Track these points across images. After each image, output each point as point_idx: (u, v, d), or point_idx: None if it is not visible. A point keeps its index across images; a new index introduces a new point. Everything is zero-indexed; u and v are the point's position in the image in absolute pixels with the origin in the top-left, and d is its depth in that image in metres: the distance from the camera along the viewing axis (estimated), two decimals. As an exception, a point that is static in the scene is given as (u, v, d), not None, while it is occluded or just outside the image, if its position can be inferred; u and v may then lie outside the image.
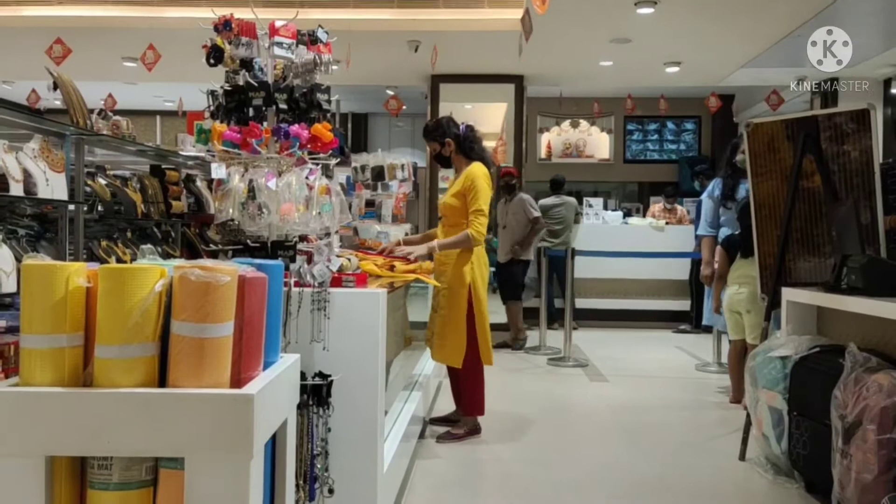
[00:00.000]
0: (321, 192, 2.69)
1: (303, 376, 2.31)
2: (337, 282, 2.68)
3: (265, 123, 2.70)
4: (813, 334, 3.57)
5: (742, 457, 3.73)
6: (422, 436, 4.05)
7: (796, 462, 3.25)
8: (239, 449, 1.56)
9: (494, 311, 6.20)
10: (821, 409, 2.95)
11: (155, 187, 4.32)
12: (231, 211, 2.62)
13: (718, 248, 4.96)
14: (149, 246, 4.00)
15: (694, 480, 3.48)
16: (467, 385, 4.07)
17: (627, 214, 9.75)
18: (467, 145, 4.03)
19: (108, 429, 1.55)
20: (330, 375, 2.45)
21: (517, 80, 8.46)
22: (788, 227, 3.75)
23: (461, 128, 4.05)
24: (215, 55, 2.71)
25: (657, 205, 9.33)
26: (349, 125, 12.40)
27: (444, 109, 8.53)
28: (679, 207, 9.15)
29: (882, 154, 3.67)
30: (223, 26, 2.71)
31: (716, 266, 5.11)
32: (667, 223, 8.79)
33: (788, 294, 3.64)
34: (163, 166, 4.55)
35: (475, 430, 4.09)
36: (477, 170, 3.92)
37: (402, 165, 5.33)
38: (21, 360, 1.62)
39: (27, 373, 1.60)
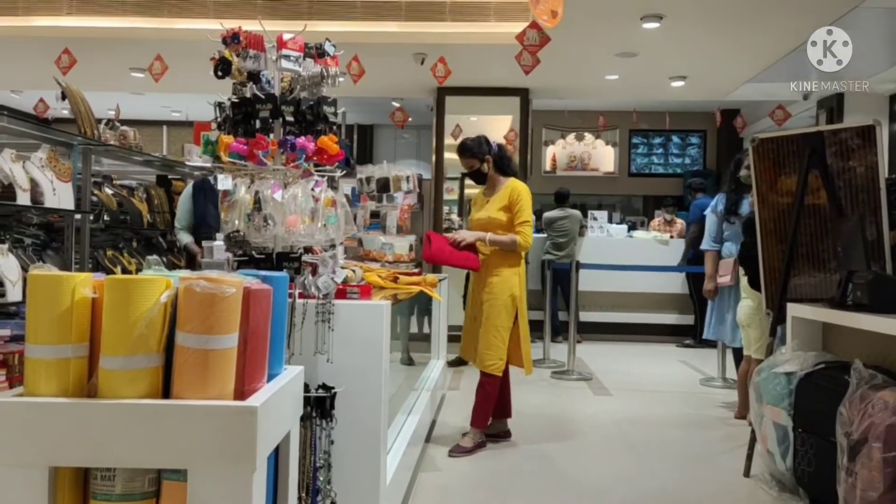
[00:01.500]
0: (327, 204, 2.70)
1: (306, 388, 2.31)
2: (341, 293, 2.68)
3: (272, 135, 2.71)
4: (818, 350, 3.55)
5: (747, 473, 3.71)
6: (426, 444, 4.04)
7: (801, 479, 3.23)
8: (242, 461, 1.56)
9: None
10: (826, 425, 2.93)
11: (161, 197, 4.35)
12: (237, 222, 2.62)
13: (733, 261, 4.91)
14: (154, 256, 4.01)
15: (698, 496, 3.46)
16: (481, 396, 4.09)
17: (632, 228, 9.76)
18: (505, 163, 4.25)
19: (111, 440, 1.55)
20: (333, 387, 2.45)
21: (523, 93, 8.49)
22: (794, 243, 3.74)
23: (493, 146, 4.26)
24: (223, 67, 2.73)
25: (657, 218, 9.34)
26: (355, 137, 12.44)
27: (450, 122, 8.56)
28: (679, 220, 9.15)
29: (888, 170, 3.66)
30: (231, 39, 2.73)
31: (720, 280, 5.09)
32: (671, 237, 8.79)
33: (794, 310, 3.62)
34: (169, 176, 4.57)
35: (483, 443, 4.09)
36: (520, 185, 4.15)
37: (408, 177, 5.33)
38: (26, 370, 1.62)
39: (32, 382, 1.60)
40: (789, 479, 3.33)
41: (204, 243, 2.76)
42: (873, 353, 3.14)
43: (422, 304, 6.27)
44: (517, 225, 4.05)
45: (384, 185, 5.19)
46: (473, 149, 4.19)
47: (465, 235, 4.08)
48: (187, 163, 4.61)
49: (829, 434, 2.90)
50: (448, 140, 8.58)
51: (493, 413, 4.18)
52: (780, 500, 3.36)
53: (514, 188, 4.12)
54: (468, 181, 6.32)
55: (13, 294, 2.90)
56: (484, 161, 4.19)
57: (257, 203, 2.58)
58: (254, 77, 2.74)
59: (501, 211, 4.08)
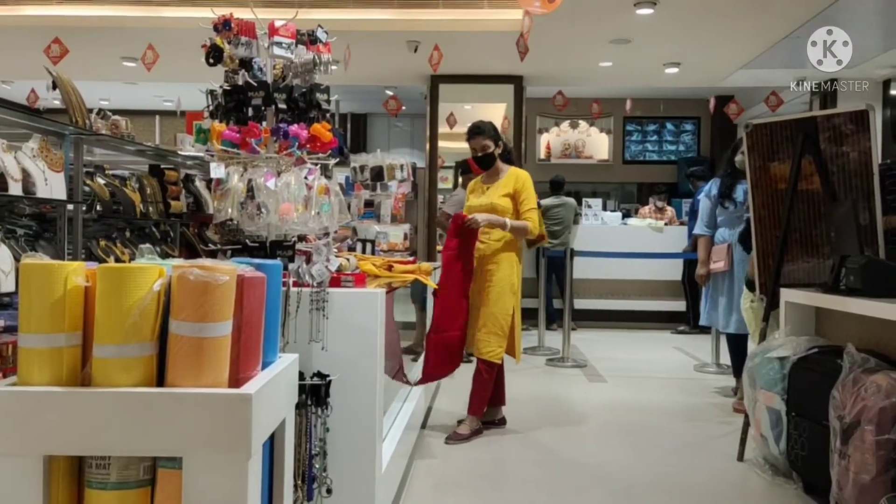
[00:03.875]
0: (320, 192, 2.69)
1: (301, 376, 2.31)
2: (335, 282, 2.68)
3: (264, 123, 2.70)
4: (811, 335, 3.57)
5: (740, 457, 3.73)
6: (422, 431, 4.05)
7: (794, 462, 3.26)
8: (237, 449, 1.56)
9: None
10: (819, 409, 2.95)
11: (154, 187, 4.32)
12: (230, 210, 2.62)
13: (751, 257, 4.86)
14: (147, 245, 4.00)
15: (692, 481, 3.48)
16: (478, 383, 4.10)
17: (626, 215, 9.76)
18: (507, 151, 4.30)
19: (106, 428, 1.55)
20: (328, 375, 2.45)
21: (516, 81, 8.47)
22: (787, 228, 3.75)
23: None
24: (214, 55, 2.71)
25: (646, 206, 9.32)
26: (348, 125, 12.40)
27: (444, 110, 8.54)
28: (669, 208, 9.14)
29: (881, 155, 3.67)
30: (222, 26, 2.71)
31: (713, 266, 5.09)
32: (666, 224, 8.80)
33: (787, 295, 3.64)
34: (162, 166, 4.54)
35: (479, 430, 4.10)
36: (523, 173, 4.19)
37: (402, 166, 5.32)
38: (19, 360, 1.61)
39: (25, 372, 1.60)
40: (783, 463, 3.36)
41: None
42: (866, 337, 3.16)
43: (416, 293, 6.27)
44: (525, 212, 4.05)
45: (378, 174, 5.18)
46: (489, 131, 4.18)
47: (480, 218, 3.88)
48: (180, 152, 4.59)
49: (822, 418, 2.92)
50: (442, 128, 8.56)
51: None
52: (774, 483, 3.38)
53: (519, 176, 4.13)
54: (462, 171, 6.28)
55: (6, 285, 2.89)
56: (497, 144, 4.19)
57: (250, 191, 2.57)
58: (246, 64, 2.72)
59: (505, 198, 4.08)
